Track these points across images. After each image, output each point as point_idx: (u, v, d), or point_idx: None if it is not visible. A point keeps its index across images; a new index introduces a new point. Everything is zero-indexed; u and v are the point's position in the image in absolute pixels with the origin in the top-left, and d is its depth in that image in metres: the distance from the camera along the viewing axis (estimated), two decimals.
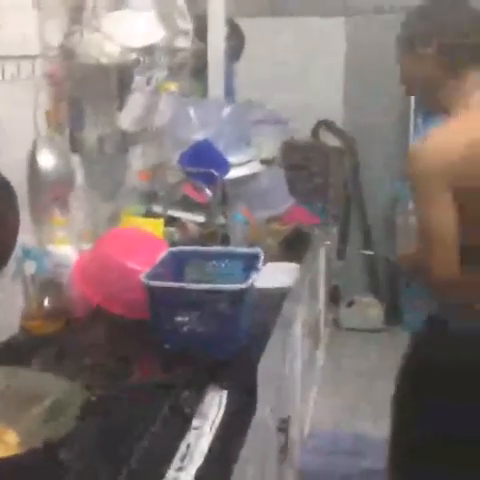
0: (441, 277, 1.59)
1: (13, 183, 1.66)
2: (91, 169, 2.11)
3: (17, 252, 1.68)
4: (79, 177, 2.01)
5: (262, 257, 1.72)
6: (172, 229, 2.54)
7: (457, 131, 1.62)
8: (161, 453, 1.28)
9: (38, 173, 1.77)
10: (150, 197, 2.56)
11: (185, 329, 1.54)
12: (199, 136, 2.58)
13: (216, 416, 1.49)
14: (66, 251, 1.82)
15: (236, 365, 1.58)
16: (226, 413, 1.51)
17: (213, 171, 2.52)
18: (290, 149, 3.39)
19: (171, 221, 2.54)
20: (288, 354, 2.18)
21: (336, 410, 3.14)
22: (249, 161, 2.72)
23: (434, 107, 1.76)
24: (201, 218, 2.55)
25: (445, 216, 1.57)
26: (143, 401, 1.40)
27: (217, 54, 3.14)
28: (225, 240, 2.50)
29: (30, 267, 1.72)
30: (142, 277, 1.55)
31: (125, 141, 2.26)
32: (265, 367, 1.78)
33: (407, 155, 1.64)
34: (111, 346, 1.63)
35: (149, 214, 2.50)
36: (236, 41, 3.38)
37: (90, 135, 2.07)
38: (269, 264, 2.35)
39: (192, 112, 2.60)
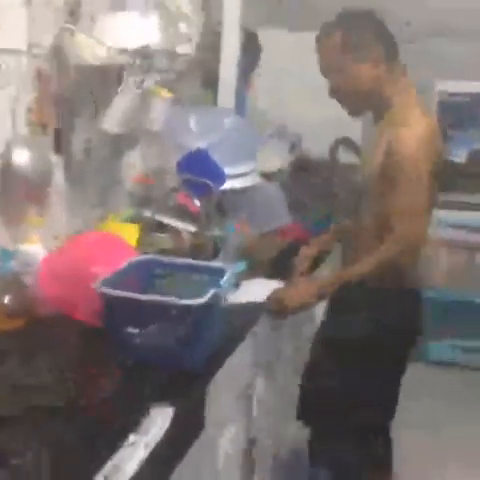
0: (416, 242, 1.89)
1: None
2: (77, 171, 2.09)
3: None
4: (61, 178, 1.99)
5: (228, 274, 1.68)
6: (162, 235, 2.52)
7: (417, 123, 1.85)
8: (86, 468, 1.24)
9: (12, 171, 1.75)
10: (143, 202, 2.53)
11: (137, 341, 1.50)
12: (199, 144, 2.54)
13: (156, 433, 1.44)
14: (35, 251, 1.80)
15: (187, 382, 1.53)
16: (169, 431, 1.47)
17: (207, 181, 2.49)
18: (301, 163, 3.35)
19: (163, 228, 2.51)
20: (260, 373, 2.12)
21: None
22: (248, 173, 2.67)
23: (364, 109, 1.99)
24: (192, 227, 2.51)
25: (427, 193, 1.84)
26: (80, 413, 1.36)
27: (230, 64, 3.10)
28: (217, 252, 2.47)
29: None
30: (96, 283, 1.51)
31: (116, 144, 2.23)
32: (227, 385, 1.73)
33: (398, 143, 1.82)
34: (62, 352, 1.58)
35: (139, 219, 2.48)
36: (252, 52, 3.33)
37: (78, 137, 2.05)
38: (256, 280, 2.32)
39: (193, 120, 2.57)
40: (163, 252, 2.44)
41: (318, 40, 1.91)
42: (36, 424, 1.29)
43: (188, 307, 1.46)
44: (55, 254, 1.78)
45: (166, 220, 2.53)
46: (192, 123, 2.57)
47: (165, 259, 1.80)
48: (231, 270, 1.70)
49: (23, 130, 1.82)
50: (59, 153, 1.98)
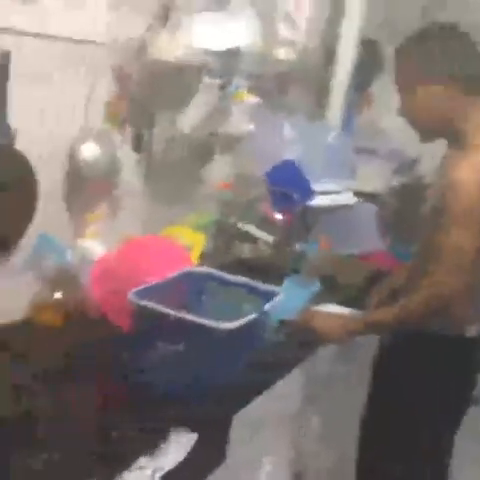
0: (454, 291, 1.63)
1: (50, 171, 1.64)
2: (155, 170, 2.03)
3: (33, 239, 1.64)
4: (134, 176, 1.94)
5: (277, 299, 1.56)
6: (242, 244, 2.44)
7: None
8: None
9: (79, 163, 1.71)
10: (227, 208, 2.46)
11: (164, 359, 1.41)
12: (290, 155, 2.43)
13: (170, 460, 1.35)
14: (94, 248, 1.76)
15: (213, 408, 1.43)
16: (188, 459, 1.37)
17: (294, 194, 2.38)
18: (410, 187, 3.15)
19: (244, 236, 2.43)
20: (311, 403, 1.98)
21: None
22: (340, 191, 2.53)
23: (433, 136, 1.76)
24: (271, 238, 2.41)
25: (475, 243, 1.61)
26: (92, 427, 1.29)
27: (343, 74, 2.97)
28: (296, 268, 2.36)
29: (47, 257, 1.68)
30: (131, 292, 1.44)
31: (201, 146, 2.16)
32: (267, 415, 1.62)
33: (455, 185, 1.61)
34: (92, 360, 1.52)
35: (220, 224, 2.41)
36: (371, 64, 3.15)
37: (159, 135, 1.99)
38: (330, 306, 2.18)
39: (287, 129, 2.46)
40: (241, 261, 2.38)
41: (396, 54, 1.72)
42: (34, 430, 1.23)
43: (215, 330, 1.36)
44: (110, 254, 1.73)
45: (248, 228, 2.45)
46: (286, 132, 2.46)
47: (219, 274, 1.70)
48: (280, 296, 1.59)
49: (98, 124, 1.78)
50: (137, 150, 1.94)
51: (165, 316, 1.39)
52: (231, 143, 2.20)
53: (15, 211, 1.51)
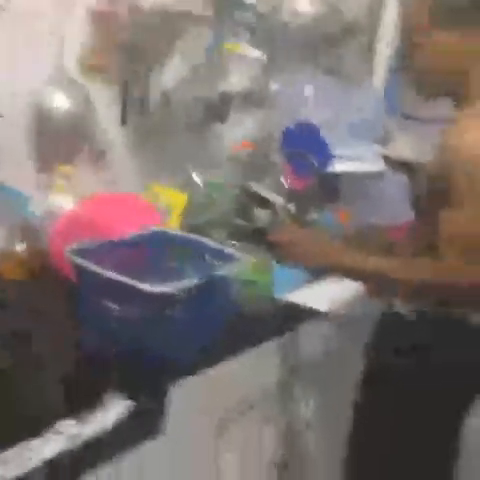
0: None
1: (15, 117, 1.59)
2: (146, 129, 1.92)
3: None
4: (118, 133, 1.85)
5: (238, 261, 1.43)
6: (262, 211, 2.31)
7: None
8: None
9: (45, 113, 1.64)
10: (242, 171, 2.33)
11: (110, 323, 1.32)
12: (313, 116, 2.26)
13: (95, 426, 1.26)
14: (61, 203, 1.69)
15: (153, 376, 1.33)
16: (115, 429, 1.28)
17: (311, 158, 2.22)
18: None
19: (259, 202, 2.30)
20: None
21: None
22: (369, 157, 2.35)
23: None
24: (287, 204, 2.27)
25: None
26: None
27: (387, 31, 2.75)
28: None
29: (9, 209, 1.62)
30: (68, 249, 1.35)
31: (209, 105, 2.02)
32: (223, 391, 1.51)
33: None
34: (42, 314, 1.45)
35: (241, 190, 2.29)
36: None
37: (153, 93, 1.88)
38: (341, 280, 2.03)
39: (310, 89, 2.29)
40: (257, 230, 2.26)
41: None
42: None
43: (150, 295, 1.25)
44: (75, 210, 1.66)
45: (263, 193, 2.31)
46: (308, 93, 2.30)
47: (179, 234, 1.58)
48: (241, 261, 1.45)
49: (72, 74, 1.70)
50: (123, 106, 1.84)
51: (98, 276, 1.29)
52: (246, 102, 2.03)
53: None
